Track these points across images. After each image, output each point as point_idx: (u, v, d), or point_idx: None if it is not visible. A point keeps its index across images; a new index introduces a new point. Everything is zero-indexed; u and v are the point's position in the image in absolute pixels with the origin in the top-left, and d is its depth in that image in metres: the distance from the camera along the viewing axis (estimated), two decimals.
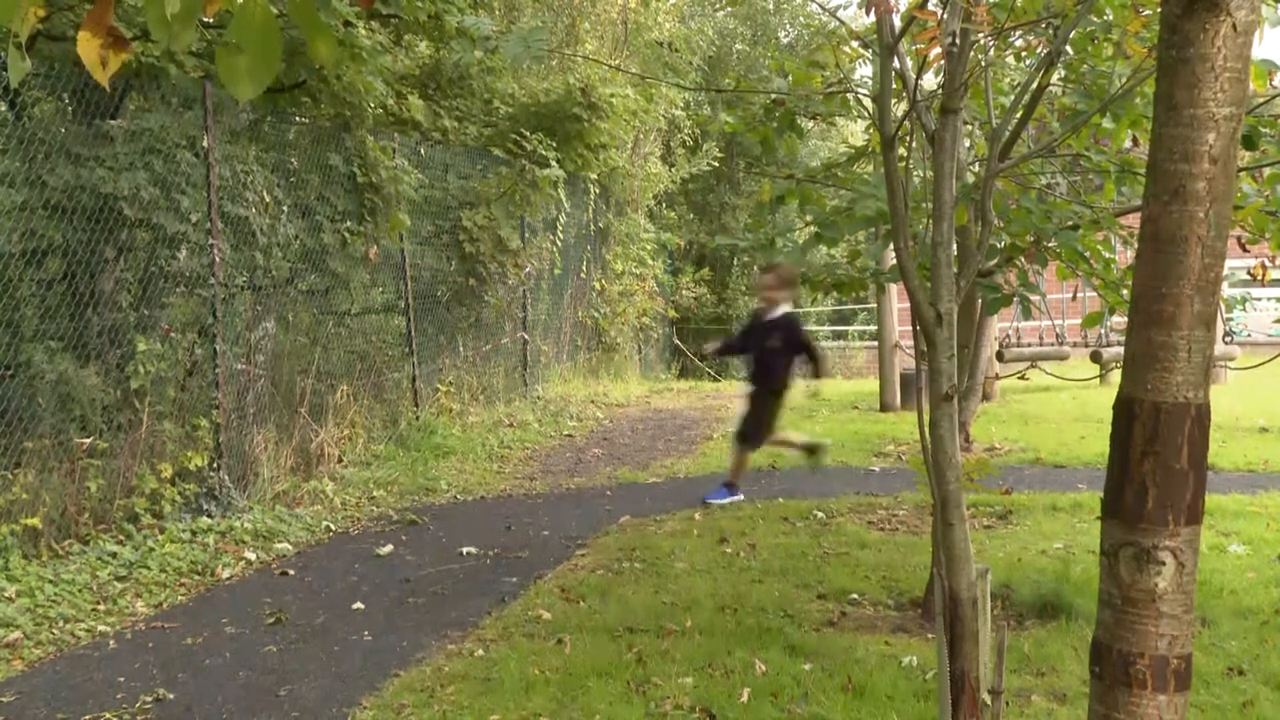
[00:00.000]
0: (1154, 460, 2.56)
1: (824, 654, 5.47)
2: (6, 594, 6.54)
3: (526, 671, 5.33)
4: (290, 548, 8.15)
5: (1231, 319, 16.92)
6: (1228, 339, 16.25)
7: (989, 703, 3.44)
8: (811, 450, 10.01)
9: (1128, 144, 5.74)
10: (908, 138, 4.02)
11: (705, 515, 8.81)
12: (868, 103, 6.06)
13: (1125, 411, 2.62)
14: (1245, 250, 5.79)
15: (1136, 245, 2.67)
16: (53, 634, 6.22)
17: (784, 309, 9.48)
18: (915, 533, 8.02)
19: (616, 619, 6.12)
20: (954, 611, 3.41)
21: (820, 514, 8.68)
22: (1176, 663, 2.61)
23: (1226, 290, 11.66)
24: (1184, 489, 2.57)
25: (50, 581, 6.81)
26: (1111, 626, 2.65)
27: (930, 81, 9.32)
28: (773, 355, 9.37)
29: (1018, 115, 5.16)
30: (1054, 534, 7.82)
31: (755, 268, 10.73)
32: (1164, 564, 2.57)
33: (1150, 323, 2.56)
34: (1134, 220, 5.53)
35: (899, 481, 9.96)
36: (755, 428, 9.52)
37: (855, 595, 6.51)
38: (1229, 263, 2.90)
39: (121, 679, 5.52)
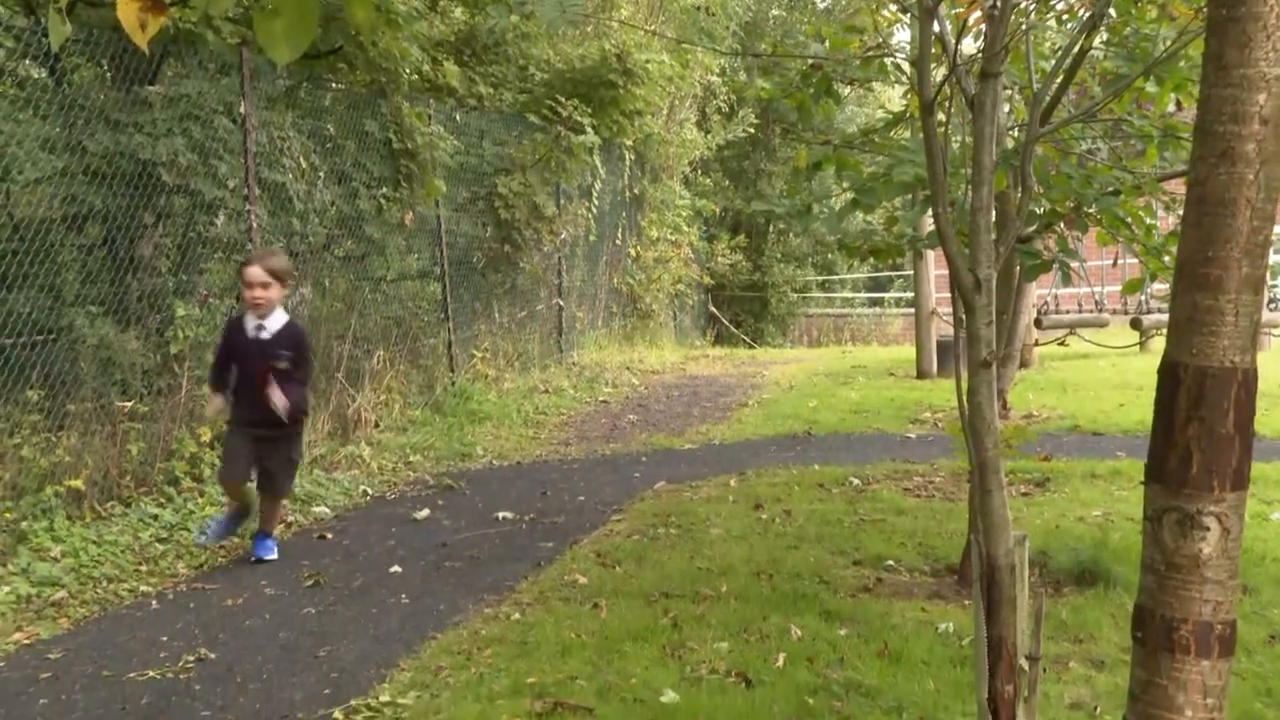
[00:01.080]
0: (1199, 425, 2.54)
1: (860, 620, 5.47)
2: (52, 554, 6.62)
3: (563, 635, 5.35)
4: (328, 511, 8.22)
5: (1277, 286, 16.76)
6: (1272, 306, 16.11)
7: (1026, 669, 3.44)
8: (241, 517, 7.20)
9: (1171, 108, 5.67)
10: (947, 103, 3.99)
11: (740, 481, 8.81)
12: (906, 67, 6.02)
13: (1170, 376, 2.59)
14: None
15: (1181, 209, 2.64)
16: (97, 593, 6.30)
17: (281, 315, 6.96)
18: (951, 499, 8.00)
19: (652, 584, 6.14)
20: (991, 578, 3.40)
21: (856, 480, 8.67)
22: (1221, 628, 2.60)
23: (1273, 257, 11.59)
24: (1229, 454, 2.54)
25: (94, 542, 6.89)
26: (1155, 592, 2.63)
27: (970, 46, 9.22)
28: (279, 377, 6.81)
29: (1059, 79, 5.12)
30: (1092, 501, 7.79)
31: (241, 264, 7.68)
32: (1209, 529, 2.55)
33: (1196, 287, 2.53)
34: (1176, 186, 5.48)
35: (935, 449, 9.94)
36: (237, 462, 6.94)
37: (891, 562, 6.51)
38: (1277, 228, 2.86)
39: (164, 638, 5.58)
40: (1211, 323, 2.51)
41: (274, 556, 7.01)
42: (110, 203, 7.90)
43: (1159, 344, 2.62)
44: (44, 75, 7.93)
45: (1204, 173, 2.52)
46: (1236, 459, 2.55)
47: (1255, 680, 4.64)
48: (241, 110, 8.82)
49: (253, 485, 7.10)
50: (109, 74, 8.24)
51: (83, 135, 7.73)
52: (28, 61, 7.74)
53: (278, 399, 6.73)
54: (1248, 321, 2.52)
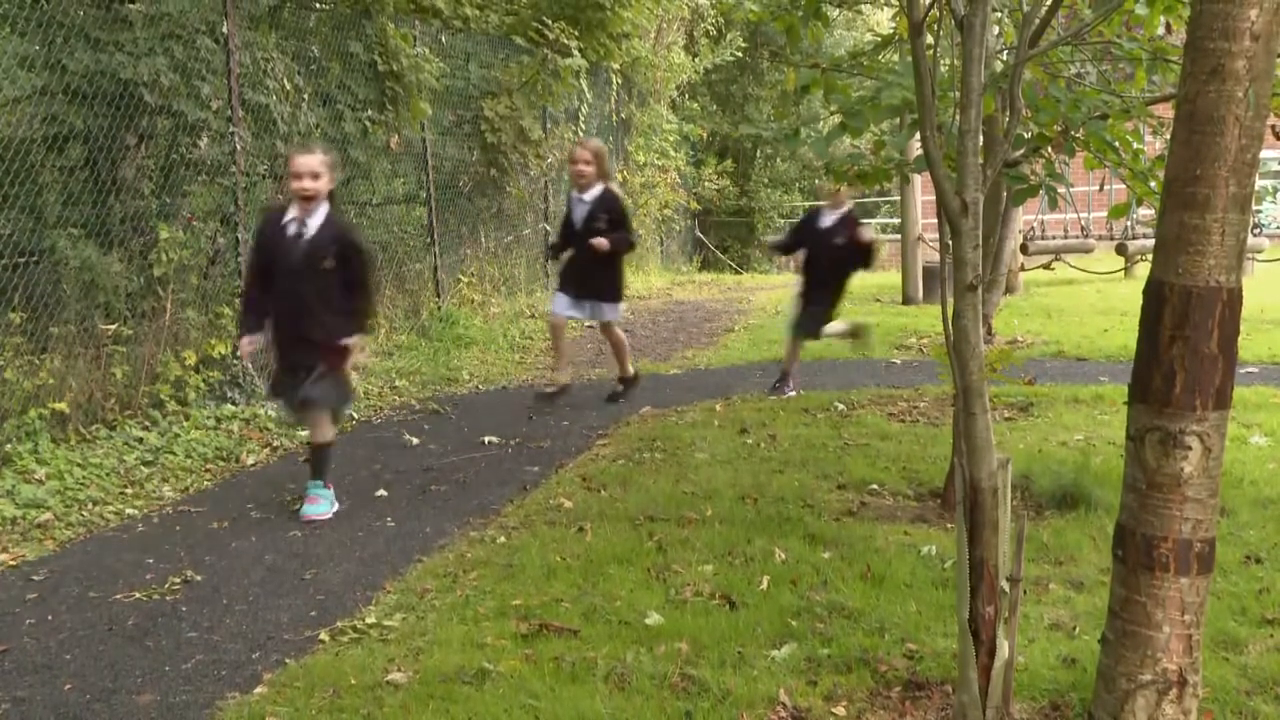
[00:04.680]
0: (1183, 344, 2.54)
1: (843, 543, 5.50)
2: (36, 476, 6.63)
3: (548, 558, 5.38)
4: None
5: (1261, 211, 16.75)
6: (1256, 231, 16.12)
7: (1007, 590, 3.47)
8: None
9: (1160, 30, 5.62)
10: (936, 25, 3.95)
11: (726, 406, 8.84)
12: None
13: (1155, 295, 2.59)
14: None
15: (1170, 130, 2.62)
16: (82, 516, 6.31)
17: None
18: (935, 424, 8.03)
19: (637, 508, 6.16)
20: (974, 500, 3.42)
21: (841, 405, 8.69)
22: (1200, 546, 2.62)
23: (1257, 180, 11.55)
24: (1213, 373, 2.55)
25: (79, 465, 6.90)
26: (1136, 510, 2.65)
27: None
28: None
29: (1048, 1, 5.05)
30: (1075, 426, 7.82)
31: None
32: (1190, 448, 2.56)
33: (1183, 205, 2.52)
34: (1164, 110, 5.44)
35: (920, 374, 9.96)
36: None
37: (875, 486, 6.54)
38: (1264, 150, 2.85)
39: (150, 560, 5.60)
40: (1198, 242, 2.51)
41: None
42: (91, 123, 7.81)
43: (1144, 269, 2.62)
44: None
45: (1193, 90, 2.50)
46: (1219, 378, 2.56)
47: (1230, 599, 4.69)
48: (224, 30, 8.71)
49: None
50: None
51: (62, 53, 7.63)
52: None
53: None
54: (1234, 241, 2.52)
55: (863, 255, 9.28)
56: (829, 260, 9.26)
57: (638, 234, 9.30)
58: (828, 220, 9.31)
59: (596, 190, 8.94)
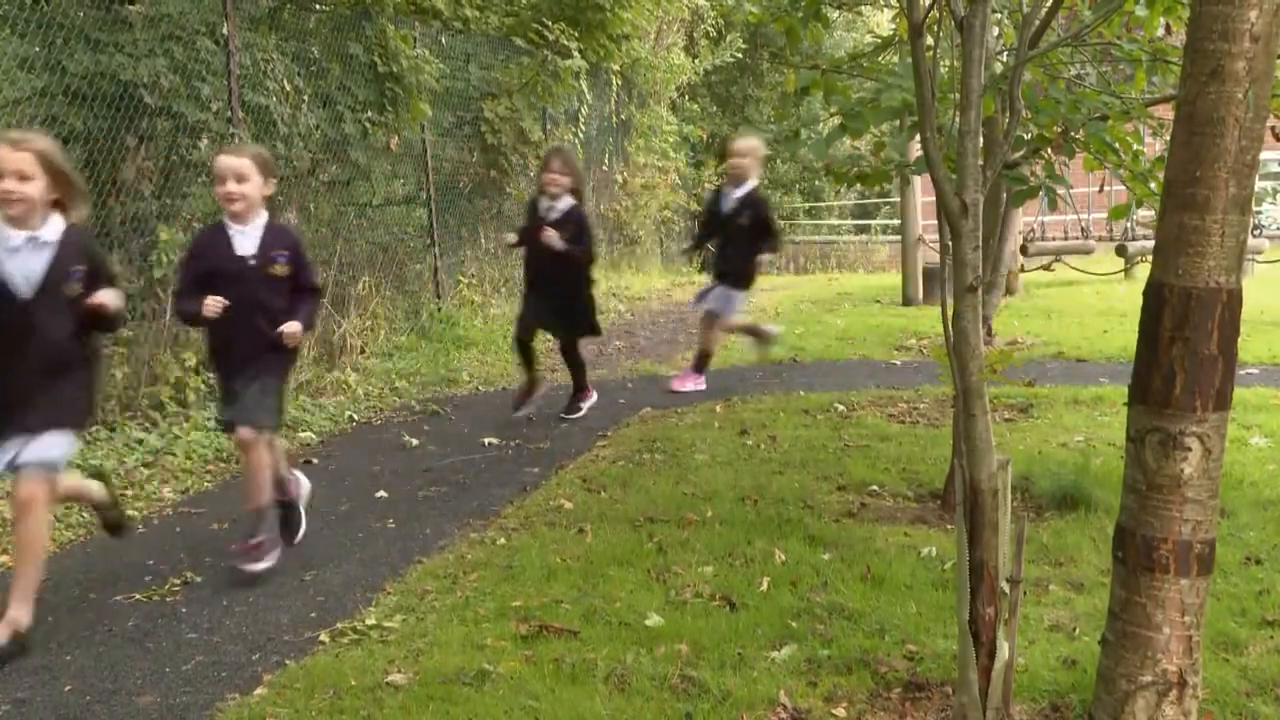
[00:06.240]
0: (1183, 345, 2.54)
1: (843, 544, 5.50)
2: None
3: (548, 559, 5.37)
4: (314, 437, 8.21)
5: (1261, 212, 16.75)
6: (1256, 232, 16.12)
7: (1007, 592, 3.46)
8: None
9: (1160, 32, 5.62)
10: (935, 26, 3.94)
11: (726, 408, 8.83)
12: None
13: (1155, 296, 2.59)
14: None
15: (1170, 131, 2.62)
16: (82, 517, 6.30)
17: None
18: (935, 425, 8.02)
19: (637, 509, 6.15)
20: (974, 502, 3.41)
21: (841, 407, 8.69)
22: (1200, 547, 2.62)
23: (1257, 182, 11.53)
24: (1212, 374, 2.55)
25: (79, 467, 6.88)
26: (1136, 512, 2.65)
27: None
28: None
29: (1048, 2, 5.06)
30: (1075, 427, 7.82)
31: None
32: (1190, 449, 2.56)
33: (1183, 207, 2.52)
34: (1164, 111, 5.44)
35: (920, 375, 9.95)
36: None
37: (875, 487, 6.53)
38: (1264, 151, 2.85)
39: (150, 562, 5.60)
40: (1198, 243, 2.51)
41: None
42: (91, 124, 7.82)
43: (1144, 271, 2.62)
44: None
45: (1193, 91, 2.50)
46: (1219, 379, 2.56)
47: (1230, 600, 4.69)
48: (224, 31, 8.72)
49: None
50: None
51: (62, 55, 7.63)
52: None
53: None
54: (1234, 242, 2.51)
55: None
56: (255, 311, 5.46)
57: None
58: (247, 244, 5.48)
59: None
